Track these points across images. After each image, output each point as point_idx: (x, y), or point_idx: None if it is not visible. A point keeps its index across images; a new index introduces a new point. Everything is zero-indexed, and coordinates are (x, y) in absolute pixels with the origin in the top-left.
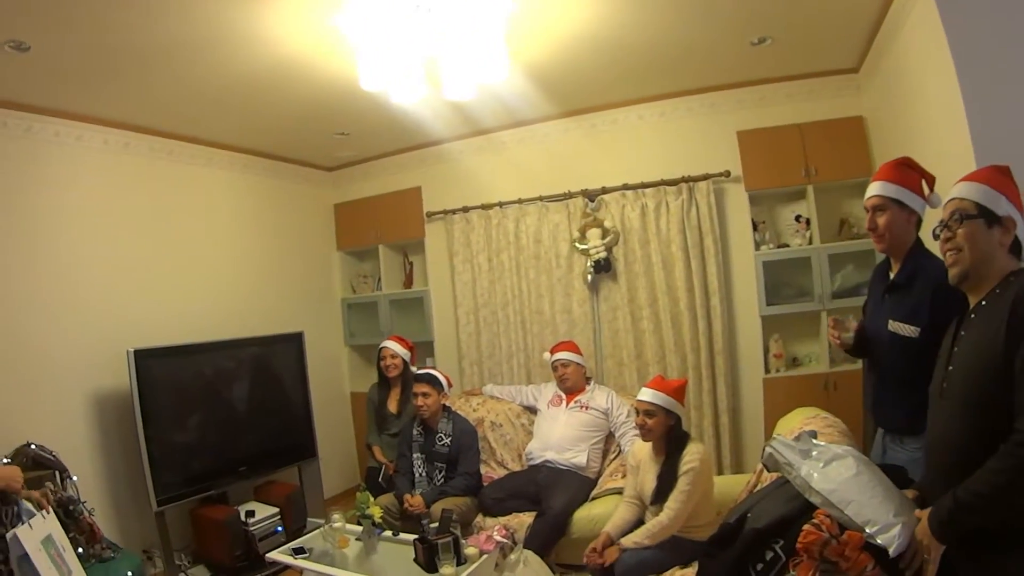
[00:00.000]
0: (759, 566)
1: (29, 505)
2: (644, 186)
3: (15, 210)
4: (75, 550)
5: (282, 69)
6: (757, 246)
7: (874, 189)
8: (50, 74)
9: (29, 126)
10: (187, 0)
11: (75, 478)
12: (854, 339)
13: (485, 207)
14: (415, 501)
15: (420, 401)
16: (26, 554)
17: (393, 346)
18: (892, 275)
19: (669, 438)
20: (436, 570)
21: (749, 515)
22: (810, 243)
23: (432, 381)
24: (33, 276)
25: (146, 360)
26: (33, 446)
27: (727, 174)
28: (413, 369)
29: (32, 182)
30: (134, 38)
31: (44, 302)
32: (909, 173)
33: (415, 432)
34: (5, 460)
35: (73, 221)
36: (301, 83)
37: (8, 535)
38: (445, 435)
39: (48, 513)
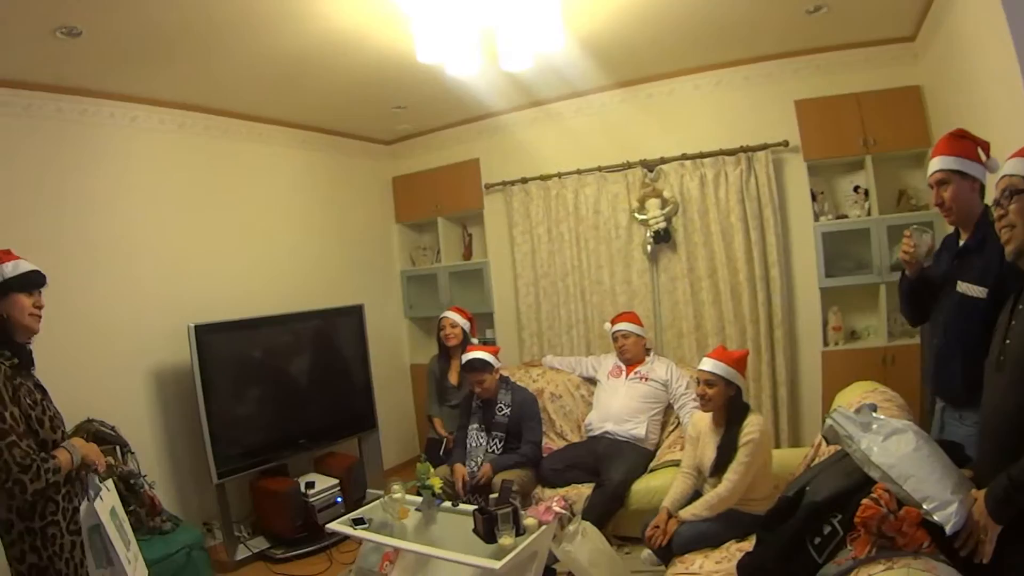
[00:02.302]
0: (816, 540)
1: (95, 479)
2: (702, 156)
3: (75, 192)
4: (136, 523)
5: (336, 44)
6: (816, 217)
7: (935, 165)
8: (102, 57)
9: (84, 109)
10: None
11: (136, 452)
12: (918, 278)
13: (544, 178)
14: (484, 470)
15: (477, 388)
16: (96, 525)
17: (453, 316)
18: (961, 243)
19: (729, 409)
20: (495, 540)
21: (808, 488)
22: (868, 214)
23: (483, 367)
24: (94, 255)
25: (207, 335)
26: (94, 422)
27: (785, 144)
28: (473, 340)
29: (90, 164)
30: (185, 17)
31: (105, 280)
32: (964, 143)
33: (474, 404)
34: None
35: (132, 200)
36: (356, 57)
37: (82, 506)
38: (504, 405)
39: (110, 485)
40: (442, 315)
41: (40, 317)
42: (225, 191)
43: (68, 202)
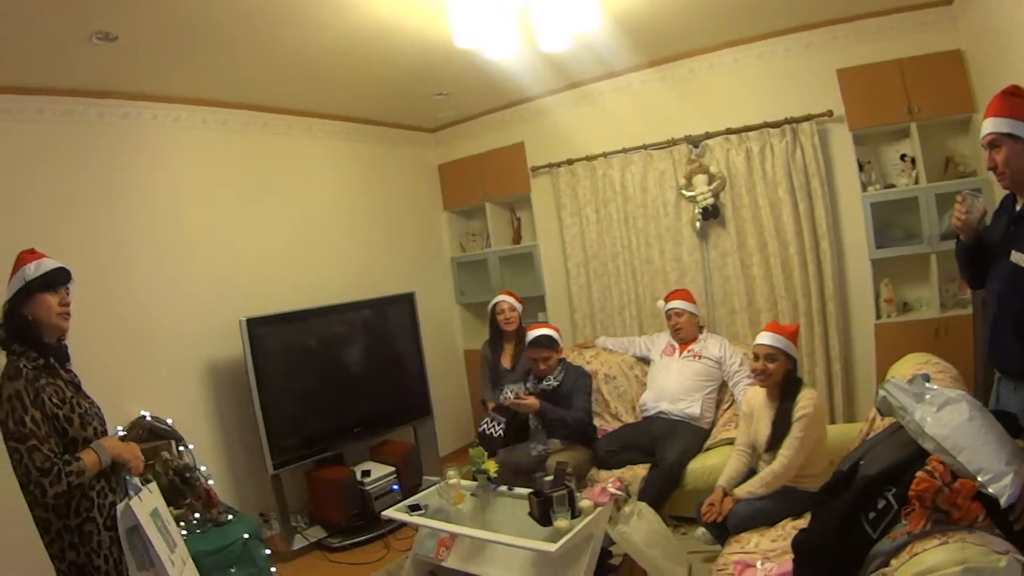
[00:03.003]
0: (871, 515)
1: (136, 480)
2: (747, 129)
3: (122, 194)
4: (192, 515)
5: (374, 33)
6: (864, 187)
7: (986, 127)
8: (139, 60)
9: (125, 112)
10: None
11: (191, 446)
12: (974, 242)
13: (589, 158)
14: (530, 401)
15: (542, 366)
16: (135, 526)
17: (510, 300)
18: (1018, 207)
19: (785, 383)
20: (550, 523)
21: (862, 462)
22: (916, 183)
23: (550, 344)
24: (145, 255)
25: (259, 328)
26: (148, 417)
27: (829, 114)
28: (524, 325)
29: (136, 165)
30: (218, 15)
31: (156, 278)
32: (1016, 102)
33: (527, 386)
34: (121, 432)
35: (180, 199)
36: (395, 46)
37: (119, 507)
38: (555, 379)
39: (153, 487)
40: (498, 300)
41: (68, 315)
42: (272, 185)
43: (116, 204)
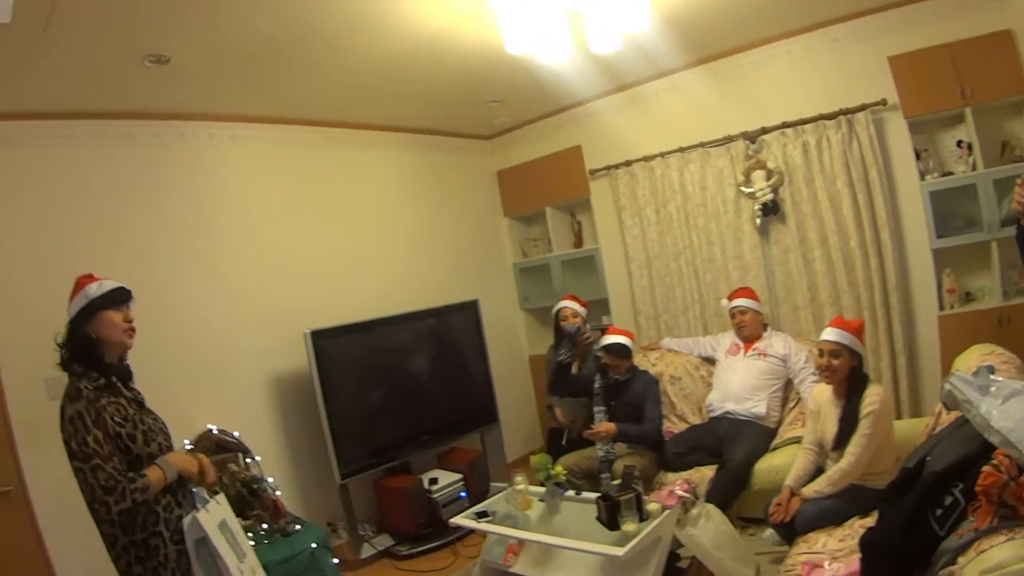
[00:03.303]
0: (938, 512)
1: (203, 492)
2: (802, 122)
3: (183, 212)
4: (260, 526)
5: (426, 44)
6: (922, 176)
7: None
8: (193, 81)
9: (181, 132)
10: None
11: (258, 458)
12: None
13: (647, 159)
14: (604, 427)
15: (612, 371)
16: (202, 538)
17: (574, 305)
18: None
19: (850, 380)
20: (618, 527)
21: (928, 458)
22: (973, 169)
23: (624, 353)
24: (209, 272)
25: (323, 340)
26: (215, 431)
27: (884, 102)
28: (589, 327)
29: (194, 184)
30: (272, 36)
31: (221, 294)
32: None
33: (596, 386)
34: (188, 446)
35: (240, 215)
36: (447, 56)
37: (185, 520)
38: (623, 376)
39: (221, 499)
40: (561, 305)
41: (133, 332)
42: (332, 198)
43: (176, 222)
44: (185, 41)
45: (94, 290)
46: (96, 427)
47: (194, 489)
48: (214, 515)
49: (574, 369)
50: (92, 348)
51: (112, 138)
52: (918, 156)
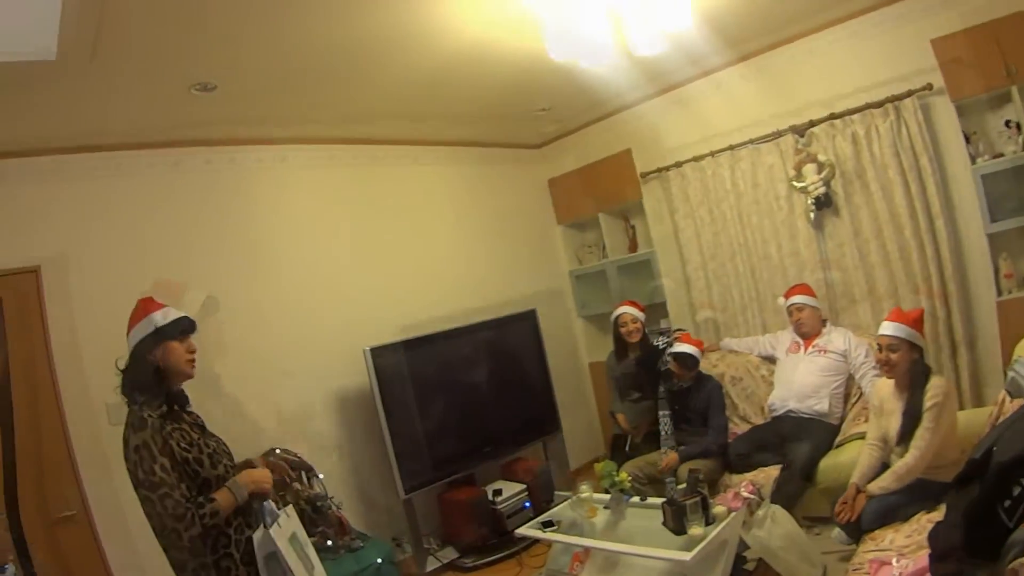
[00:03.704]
0: (1006, 503)
1: (272, 505)
2: (850, 112)
3: (238, 236)
4: (325, 543)
5: (470, 56)
6: (972, 159)
7: None
8: (239, 107)
9: (232, 158)
10: (363, 8)
11: (321, 476)
12: None
13: (697, 159)
14: (670, 459)
15: (680, 376)
16: (273, 552)
17: (633, 311)
18: None
19: (912, 373)
20: (684, 532)
21: (995, 449)
22: (1023, 149)
23: (694, 364)
24: (266, 294)
25: (383, 356)
26: (278, 450)
27: (929, 87)
28: (648, 331)
29: (249, 207)
30: (318, 56)
31: (280, 315)
32: None
33: (661, 390)
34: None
35: (294, 237)
36: (492, 67)
37: (256, 534)
38: (693, 394)
39: (291, 511)
40: (620, 312)
41: (195, 362)
42: (384, 215)
43: (232, 247)
44: (230, 69)
45: (160, 318)
46: (162, 455)
47: (266, 503)
48: (285, 529)
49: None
50: (155, 376)
51: (164, 167)
52: (967, 139)
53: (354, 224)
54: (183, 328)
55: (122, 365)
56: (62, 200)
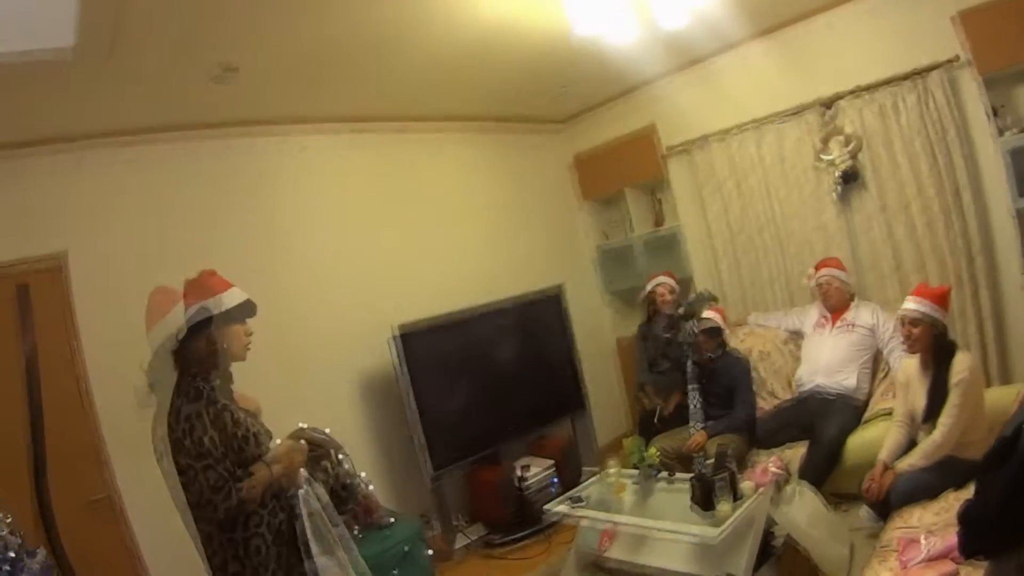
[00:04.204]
0: None
1: (305, 473)
2: (876, 85)
3: (263, 219)
4: (355, 521)
5: (492, 33)
6: (1000, 133)
7: None
8: (261, 90)
9: (253, 142)
10: None
11: (350, 454)
12: None
13: (723, 133)
14: (698, 438)
15: (705, 348)
16: (317, 511)
17: (669, 281)
18: None
19: (936, 349)
20: (713, 508)
21: None
22: None
23: (719, 333)
24: (292, 275)
25: (410, 336)
26: (306, 428)
27: (956, 59)
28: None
29: (272, 191)
30: (339, 37)
31: (308, 297)
32: None
33: (690, 366)
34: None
35: (319, 218)
36: (515, 43)
37: (300, 492)
38: (720, 371)
39: (321, 494)
40: (656, 283)
41: (250, 346)
42: (409, 194)
43: (257, 230)
44: (252, 51)
45: (228, 299)
46: (213, 428)
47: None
48: (312, 503)
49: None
50: (214, 356)
51: (187, 152)
52: (994, 113)
53: (378, 203)
54: (247, 311)
55: (179, 334)
56: (86, 189)
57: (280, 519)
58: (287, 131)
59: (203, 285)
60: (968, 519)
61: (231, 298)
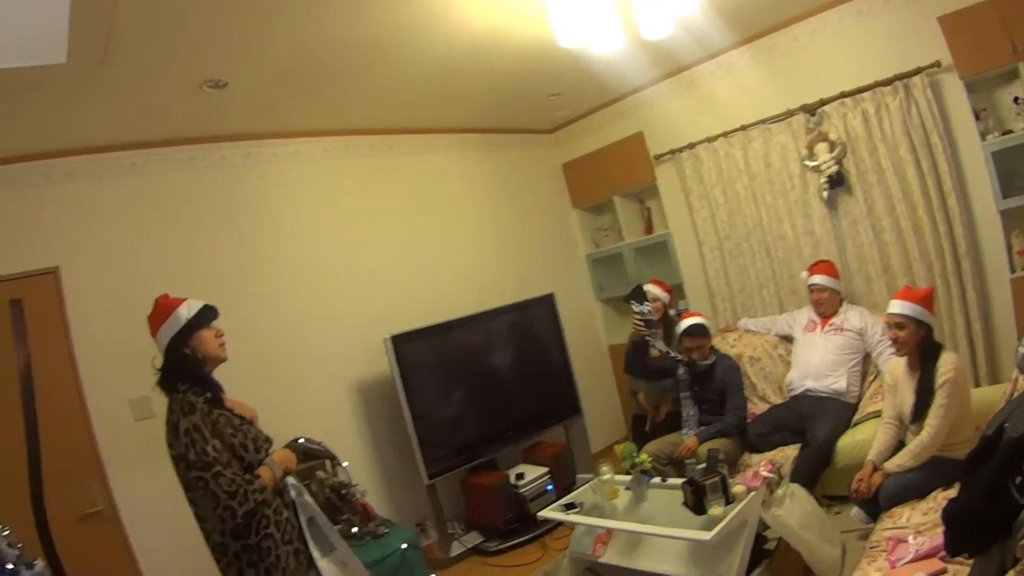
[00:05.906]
0: (1018, 480)
1: (293, 480)
2: (860, 91)
3: (256, 230)
4: (350, 530)
5: (479, 44)
6: (983, 136)
7: None
8: (251, 102)
9: (247, 152)
10: (371, 3)
11: (345, 464)
12: None
13: (710, 140)
14: (689, 443)
15: (696, 354)
16: (312, 516)
17: (655, 290)
18: None
19: (922, 350)
20: (705, 511)
21: (1007, 425)
22: None
23: (704, 332)
24: (286, 285)
25: (404, 344)
26: (302, 440)
27: (938, 64)
28: (671, 313)
29: (264, 201)
30: (328, 49)
31: (301, 307)
32: None
33: (681, 372)
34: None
35: (312, 228)
36: (501, 54)
37: (297, 500)
38: (707, 361)
39: (308, 500)
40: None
41: (225, 344)
42: (401, 204)
43: (252, 239)
44: (241, 65)
45: (185, 312)
46: (214, 436)
47: (288, 479)
48: (305, 508)
49: (655, 352)
50: (194, 366)
51: (179, 163)
52: (977, 116)
53: (370, 213)
54: (209, 316)
55: (158, 363)
56: (79, 201)
57: (286, 516)
58: (280, 144)
59: (160, 309)
60: (951, 518)
61: (188, 310)
